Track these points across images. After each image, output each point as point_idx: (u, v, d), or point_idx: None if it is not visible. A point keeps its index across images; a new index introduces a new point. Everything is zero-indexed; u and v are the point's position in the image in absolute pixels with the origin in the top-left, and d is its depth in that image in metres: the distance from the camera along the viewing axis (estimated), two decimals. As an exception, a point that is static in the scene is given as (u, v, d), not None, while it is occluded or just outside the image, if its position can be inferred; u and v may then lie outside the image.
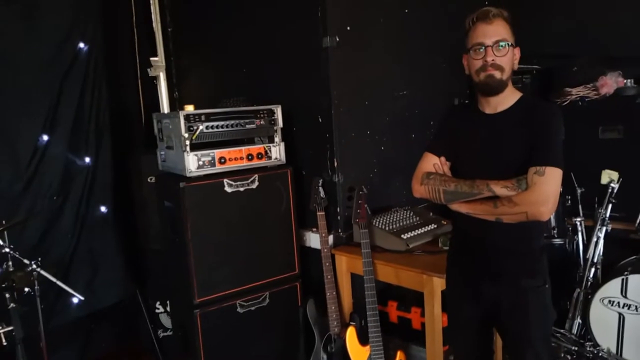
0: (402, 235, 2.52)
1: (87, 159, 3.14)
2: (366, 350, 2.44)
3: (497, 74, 1.68)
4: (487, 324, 1.93)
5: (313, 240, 2.76)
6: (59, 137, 3.03)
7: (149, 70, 3.59)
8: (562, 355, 2.66)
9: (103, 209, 3.22)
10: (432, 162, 1.88)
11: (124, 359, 3.37)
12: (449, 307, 2.05)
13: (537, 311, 1.77)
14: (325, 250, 2.56)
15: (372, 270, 2.38)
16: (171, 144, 2.52)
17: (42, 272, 2.35)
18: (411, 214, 2.76)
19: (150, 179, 3.02)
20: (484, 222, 1.73)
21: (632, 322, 2.57)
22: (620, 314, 2.60)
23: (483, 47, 1.68)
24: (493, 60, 1.67)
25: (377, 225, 2.59)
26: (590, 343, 2.67)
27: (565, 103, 3.02)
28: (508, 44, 1.68)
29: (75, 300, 2.95)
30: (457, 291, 1.95)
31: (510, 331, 1.85)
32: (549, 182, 1.61)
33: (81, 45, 3.08)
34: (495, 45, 1.67)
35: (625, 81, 2.92)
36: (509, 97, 1.75)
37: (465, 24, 1.76)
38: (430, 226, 2.66)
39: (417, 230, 2.60)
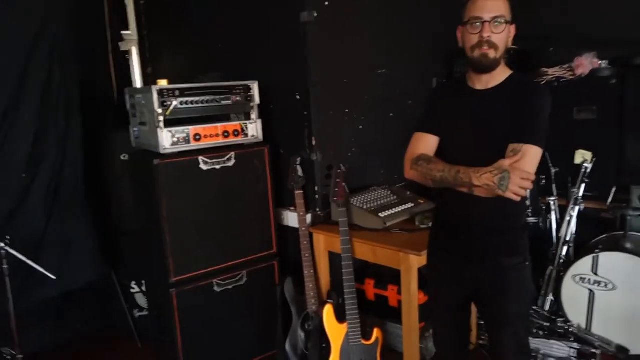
0: (380, 214, 2.53)
1: (57, 136, 3.03)
2: (343, 327, 2.45)
3: (491, 53, 1.67)
4: (467, 302, 1.95)
5: (291, 219, 2.74)
6: (27, 113, 2.90)
7: (120, 44, 3.46)
8: (535, 331, 2.72)
9: (74, 187, 3.12)
10: (422, 143, 1.85)
11: (100, 339, 3.32)
12: (430, 286, 2.06)
13: (517, 289, 1.79)
14: (303, 229, 2.54)
15: (350, 248, 2.38)
16: (144, 120, 2.46)
17: (11, 250, 2.29)
18: (389, 193, 2.76)
19: (124, 157, 2.96)
20: (467, 201, 1.72)
21: (601, 299, 2.65)
22: (590, 290, 2.67)
23: (480, 22, 1.65)
24: (489, 37, 1.65)
25: (355, 203, 2.59)
26: (561, 319, 2.74)
27: (542, 83, 3.04)
28: (505, 21, 1.67)
29: (46, 280, 2.88)
30: (439, 270, 1.95)
31: (489, 309, 1.86)
32: (524, 161, 1.61)
33: (47, 17, 2.94)
34: (493, 21, 1.65)
35: (600, 62, 2.94)
36: (500, 74, 1.75)
37: None
38: (407, 205, 2.67)
39: (394, 209, 2.60)
